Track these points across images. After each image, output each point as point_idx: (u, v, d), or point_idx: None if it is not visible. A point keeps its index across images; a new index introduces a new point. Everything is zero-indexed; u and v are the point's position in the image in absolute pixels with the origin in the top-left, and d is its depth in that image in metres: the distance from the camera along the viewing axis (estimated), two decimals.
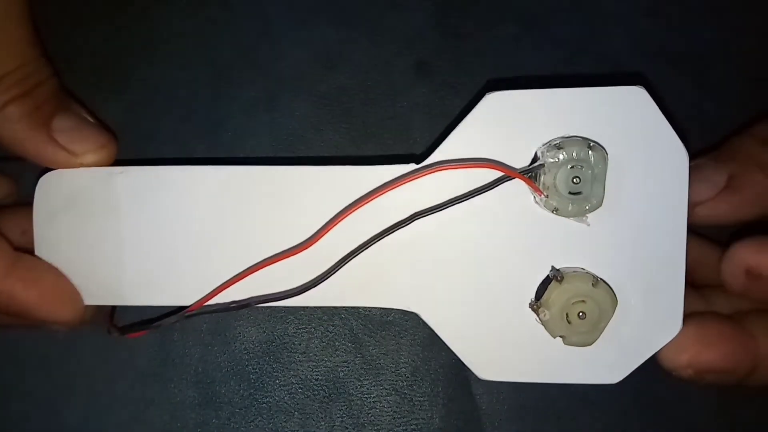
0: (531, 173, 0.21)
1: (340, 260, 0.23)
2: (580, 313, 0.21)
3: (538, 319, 0.22)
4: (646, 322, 0.22)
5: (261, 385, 0.27)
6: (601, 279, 0.21)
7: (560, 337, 0.22)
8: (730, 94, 0.31)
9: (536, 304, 0.22)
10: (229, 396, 0.27)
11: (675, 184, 0.22)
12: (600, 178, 0.21)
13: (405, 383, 0.27)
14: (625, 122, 0.22)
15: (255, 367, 0.27)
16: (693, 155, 0.30)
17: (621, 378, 0.22)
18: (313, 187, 0.22)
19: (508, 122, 0.22)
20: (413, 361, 0.27)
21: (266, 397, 0.27)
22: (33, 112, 0.22)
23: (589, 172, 0.21)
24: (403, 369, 0.27)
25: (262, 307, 0.28)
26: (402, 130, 0.29)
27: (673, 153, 0.22)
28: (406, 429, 0.27)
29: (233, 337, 0.27)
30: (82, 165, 0.22)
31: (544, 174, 0.21)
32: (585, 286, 0.21)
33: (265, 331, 0.27)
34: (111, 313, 0.25)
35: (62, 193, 0.23)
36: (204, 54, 0.30)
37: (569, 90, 0.22)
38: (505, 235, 0.22)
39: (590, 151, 0.21)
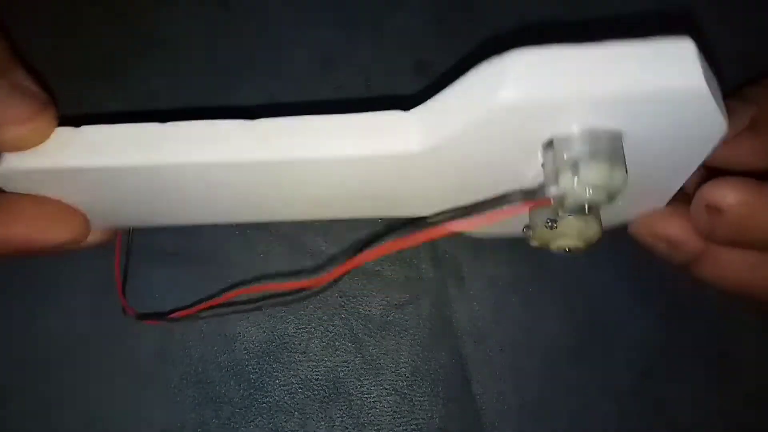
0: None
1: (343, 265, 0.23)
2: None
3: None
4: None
5: (261, 385, 0.27)
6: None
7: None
8: (730, 94, 0.31)
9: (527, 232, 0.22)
10: (229, 396, 0.27)
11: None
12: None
13: (405, 383, 0.27)
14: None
15: (255, 367, 0.27)
16: None
17: None
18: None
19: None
20: (413, 361, 0.27)
21: (266, 397, 0.27)
22: None
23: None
24: (403, 369, 0.27)
25: (262, 307, 0.28)
26: None
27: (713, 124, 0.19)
28: (406, 429, 0.27)
29: (233, 337, 0.27)
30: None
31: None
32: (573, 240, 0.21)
33: (265, 331, 0.27)
34: (122, 290, 0.26)
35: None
36: (204, 54, 0.30)
37: (603, 46, 0.18)
38: None
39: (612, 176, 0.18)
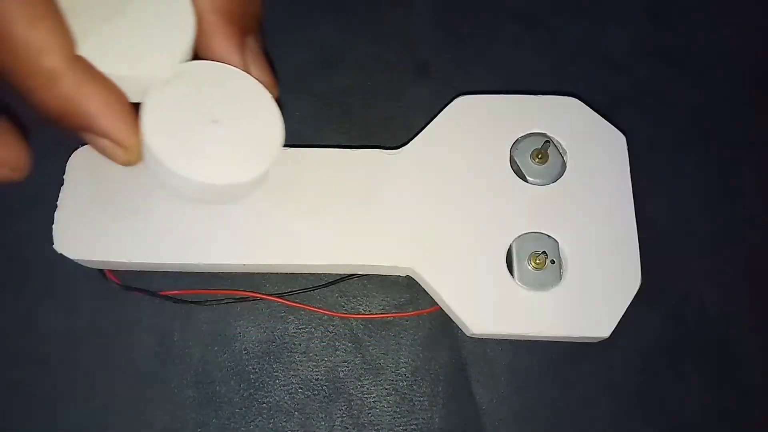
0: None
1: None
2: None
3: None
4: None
5: (261, 385, 0.27)
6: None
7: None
8: (730, 94, 0.31)
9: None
10: (229, 396, 0.27)
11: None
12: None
13: (405, 383, 0.27)
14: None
15: (255, 367, 0.27)
16: (693, 155, 0.30)
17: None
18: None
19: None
20: (413, 361, 0.27)
21: (266, 397, 0.27)
22: (241, 14, 0.20)
23: None
24: (403, 369, 0.27)
25: (262, 307, 0.28)
26: (402, 130, 0.29)
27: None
28: (406, 429, 0.27)
29: (233, 337, 0.27)
30: None
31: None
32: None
33: (265, 331, 0.27)
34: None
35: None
36: None
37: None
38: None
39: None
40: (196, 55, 0.21)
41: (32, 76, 0.17)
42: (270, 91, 0.22)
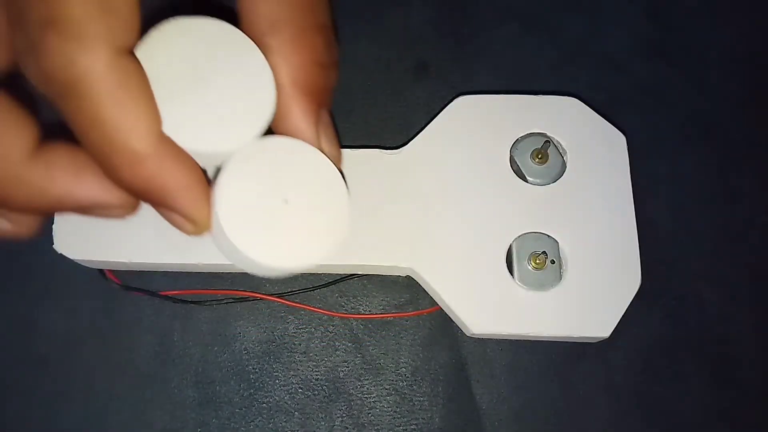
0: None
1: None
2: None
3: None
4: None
5: (261, 385, 0.27)
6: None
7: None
8: (730, 94, 0.31)
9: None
10: (229, 396, 0.27)
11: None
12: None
13: (405, 383, 0.27)
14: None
15: (255, 367, 0.27)
16: (693, 155, 0.30)
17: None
18: None
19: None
20: (413, 361, 0.27)
21: (266, 397, 0.27)
22: (320, 89, 0.20)
23: None
24: (403, 369, 0.27)
25: (262, 307, 0.28)
26: (402, 130, 0.29)
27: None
28: (406, 429, 0.27)
29: (233, 337, 0.27)
30: None
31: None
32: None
33: (265, 331, 0.27)
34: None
35: None
36: None
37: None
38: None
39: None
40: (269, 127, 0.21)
41: (117, 156, 0.17)
42: (336, 165, 0.21)
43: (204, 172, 0.19)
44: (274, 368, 0.27)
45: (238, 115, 0.19)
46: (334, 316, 0.28)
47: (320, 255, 0.20)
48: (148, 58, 0.18)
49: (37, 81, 0.16)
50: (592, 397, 0.27)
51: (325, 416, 0.27)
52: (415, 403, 0.27)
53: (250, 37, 0.19)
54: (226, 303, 0.28)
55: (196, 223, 0.19)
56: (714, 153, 0.30)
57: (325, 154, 0.21)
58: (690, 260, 0.28)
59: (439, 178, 0.26)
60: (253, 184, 0.20)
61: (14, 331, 0.27)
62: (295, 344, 0.27)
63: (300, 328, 0.28)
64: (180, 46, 0.19)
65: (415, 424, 0.27)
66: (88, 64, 0.15)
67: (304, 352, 0.27)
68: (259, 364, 0.27)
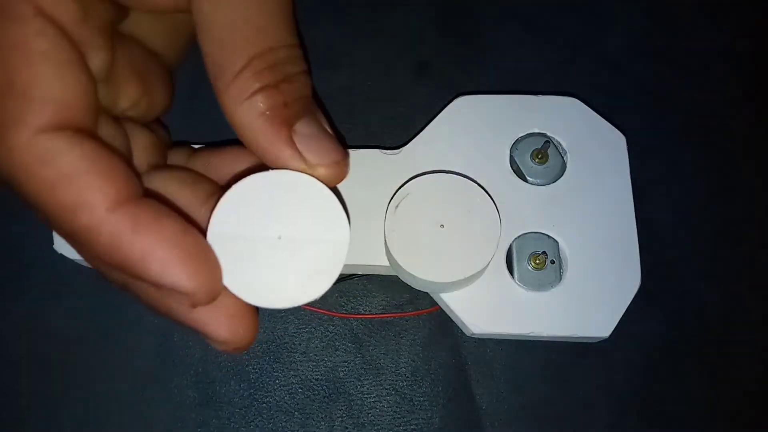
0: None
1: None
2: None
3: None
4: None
5: (261, 385, 0.27)
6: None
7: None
8: (730, 94, 0.31)
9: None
10: (229, 396, 0.27)
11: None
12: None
13: (405, 383, 0.27)
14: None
15: (255, 367, 0.27)
16: (693, 155, 0.30)
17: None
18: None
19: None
20: (413, 361, 0.27)
21: (266, 397, 0.27)
22: (280, 108, 0.19)
23: None
24: (403, 369, 0.27)
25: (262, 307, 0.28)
26: (402, 130, 0.29)
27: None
28: (406, 429, 0.27)
29: None
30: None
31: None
32: None
33: (265, 331, 0.27)
34: None
35: None
36: (202, 54, 0.30)
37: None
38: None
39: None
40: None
41: (74, 237, 0.17)
42: (338, 167, 0.20)
43: None
44: (274, 368, 0.27)
45: (306, 274, 0.19)
46: (334, 316, 0.28)
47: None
48: (233, 209, 0.19)
49: None
50: (592, 397, 0.27)
51: (325, 416, 0.27)
52: (415, 403, 0.27)
53: (213, 86, 0.19)
54: None
55: (190, 295, 0.17)
56: (713, 153, 0.30)
57: (317, 167, 0.20)
58: (690, 260, 0.28)
59: None
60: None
61: (14, 331, 0.27)
62: (295, 344, 0.27)
63: (300, 328, 0.28)
64: (260, 199, 0.20)
65: (415, 424, 0.27)
66: (5, 148, 0.16)
67: (304, 352, 0.27)
68: (259, 364, 0.27)
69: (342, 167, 0.20)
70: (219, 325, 0.18)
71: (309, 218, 0.20)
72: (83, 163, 0.16)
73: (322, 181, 0.20)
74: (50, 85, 0.16)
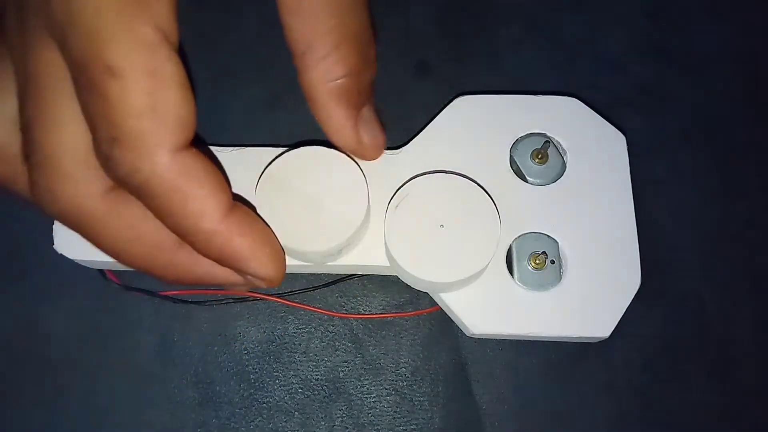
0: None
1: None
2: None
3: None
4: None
5: (261, 385, 0.27)
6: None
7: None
8: (730, 94, 0.31)
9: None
10: (229, 396, 0.27)
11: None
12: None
13: (405, 383, 0.27)
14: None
15: (255, 367, 0.27)
16: (693, 155, 0.30)
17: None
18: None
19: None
20: (413, 361, 0.27)
21: (266, 397, 0.27)
22: (355, 94, 0.22)
23: None
24: (403, 369, 0.27)
25: (262, 307, 0.28)
26: (402, 130, 0.29)
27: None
28: (406, 429, 0.27)
29: (233, 337, 0.27)
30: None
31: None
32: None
33: (265, 331, 0.27)
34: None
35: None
36: (204, 54, 0.30)
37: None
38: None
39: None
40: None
41: (190, 236, 0.19)
42: (375, 151, 0.24)
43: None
44: (274, 368, 0.27)
45: (333, 221, 0.23)
46: (334, 316, 0.28)
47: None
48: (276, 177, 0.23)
49: (117, 182, 0.18)
50: (592, 397, 0.27)
51: (325, 416, 0.27)
52: (415, 403, 0.27)
53: (293, 53, 0.21)
54: (226, 303, 0.28)
55: (268, 281, 0.21)
56: (714, 153, 0.30)
57: (364, 146, 0.23)
58: (690, 260, 0.28)
59: None
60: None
61: (14, 331, 0.27)
62: (295, 344, 0.27)
63: (300, 328, 0.28)
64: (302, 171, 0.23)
65: (415, 424, 0.27)
66: (149, 169, 0.17)
67: (304, 352, 0.27)
68: (259, 364, 0.27)
69: (382, 149, 0.24)
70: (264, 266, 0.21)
71: (341, 190, 0.23)
72: (207, 177, 0.19)
73: (365, 157, 0.24)
74: (181, 107, 0.18)
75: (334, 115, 0.22)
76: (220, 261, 0.20)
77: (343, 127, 0.22)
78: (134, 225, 0.20)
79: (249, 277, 0.21)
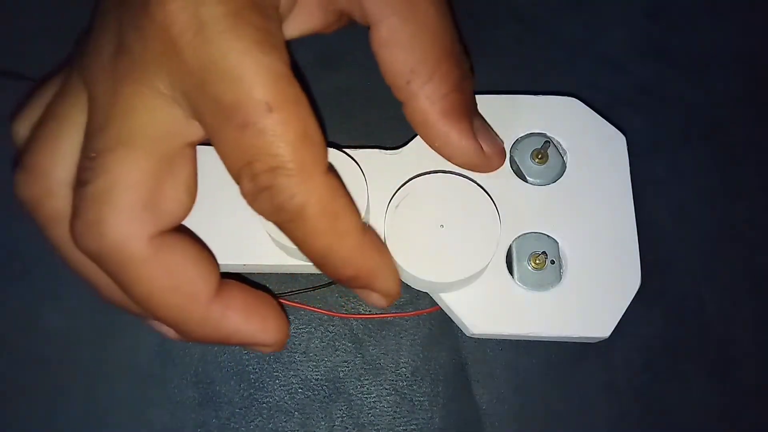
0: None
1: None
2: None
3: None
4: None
5: (261, 385, 0.27)
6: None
7: None
8: (730, 94, 0.31)
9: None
10: (229, 396, 0.27)
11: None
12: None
13: (405, 383, 0.27)
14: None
15: (255, 367, 0.27)
16: (693, 155, 0.30)
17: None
18: None
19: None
20: (413, 361, 0.27)
21: (266, 397, 0.27)
22: (465, 107, 0.23)
23: None
24: (403, 369, 0.27)
25: None
26: (402, 130, 0.29)
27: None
28: (406, 429, 0.27)
29: None
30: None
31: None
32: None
33: None
34: None
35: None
36: None
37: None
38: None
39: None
40: None
41: (331, 261, 0.20)
42: (498, 158, 0.25)
43: None
44: (274, 368, 0.27)
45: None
46: (334, 316, 0.28)
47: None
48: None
49: (266, 213, 0.19)
50: (592, 397, 0.27)
51: (325, 416, 0.27)
52: (415, 403, 0.27)
53: (394, 86, 0.23)
54: None
55: (390, 297, 0.22)
56: (714, 153, 0.30)
57: (487, 156, 0.24)
58: (690, 260, 0.28)
59: None
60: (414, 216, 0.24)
61: (14, 331, 0.27)
62: (295, 344, 0.27)
63: (300, 328, 0.28)
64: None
65: (415, 424, 0.27)
66: (308, 191, 0.18)
67: (304, 352, 0.27)
68: (259, 364, 0.27)
69: (503, 156, 0.25)
70: (266, 333, 0.22)
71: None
72: (347, 195, 0.20)
73: (489, 168, 0.25)
74: (319, 129, 0.19)
75: (452, 133, 0.23)
76: (353, 279, 0.21)
77: (463, 141, 0.23)
78: (174, 273, 0.20)
79: (371, 295, 0.22)
